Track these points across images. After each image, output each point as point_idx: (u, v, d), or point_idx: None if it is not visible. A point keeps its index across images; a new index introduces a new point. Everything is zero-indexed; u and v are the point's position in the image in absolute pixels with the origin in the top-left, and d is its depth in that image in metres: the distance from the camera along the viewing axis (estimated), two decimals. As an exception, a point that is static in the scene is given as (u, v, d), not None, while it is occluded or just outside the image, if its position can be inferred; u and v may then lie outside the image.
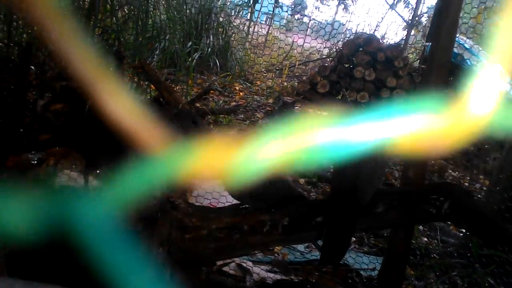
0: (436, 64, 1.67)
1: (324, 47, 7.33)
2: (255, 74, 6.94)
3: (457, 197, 1.48)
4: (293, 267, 2.86)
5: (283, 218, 1.55)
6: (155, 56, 5.00)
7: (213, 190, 2.54)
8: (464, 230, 3.58)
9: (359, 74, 5.36)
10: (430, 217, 1.49)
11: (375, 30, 8.51)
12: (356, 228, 1.49)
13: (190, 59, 5.20)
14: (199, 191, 2.65)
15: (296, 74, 7.33)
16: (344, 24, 9.91)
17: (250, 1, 7.43)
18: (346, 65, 5.51)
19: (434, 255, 3.35)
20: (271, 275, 2.66)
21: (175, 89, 4.17)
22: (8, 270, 1.09)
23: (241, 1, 7.38)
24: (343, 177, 1.46)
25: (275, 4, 8.29)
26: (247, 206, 1.62)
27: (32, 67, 2.86)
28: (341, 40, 7.14)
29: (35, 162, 2.50)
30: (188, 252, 1.51)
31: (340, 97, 5.57)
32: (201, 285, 1.61)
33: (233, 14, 7.10)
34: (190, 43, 5.55)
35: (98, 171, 2.12)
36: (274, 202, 1.58)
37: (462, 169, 5.49)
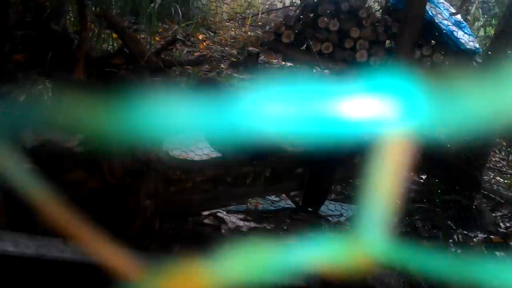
0: (410, 16, 1.71)
1: (288, -4, 7.25)
2: (217, 23, 6.81)
3: (428, 147, 1.57)
4: (265, 215, 2.96)
5: (265, 170, 1.61)
6: (116, 3, 4.82)
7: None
8: (424, 177, 3.78)
9: (323, 24, 5.37)
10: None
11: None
12: (335, 178, 1.57)
13: (151, 6, 5.03)
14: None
15: (259, 23, 7.24)
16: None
17: None
18: (311, 15, 5.49)
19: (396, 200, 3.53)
20: (245, 223, 2.75)
21: (138, 39, 4.06)
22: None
23: None
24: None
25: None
26: (229, 158, 1.66)
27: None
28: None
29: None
30: (174, 204, 1.55)
31: (304, 48, 5.59)
32: (185, 235, 1.66)
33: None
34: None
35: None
36: (255, 153, 1.63)
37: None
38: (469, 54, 6.09)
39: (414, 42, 1.65)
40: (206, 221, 2.45)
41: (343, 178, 1.66)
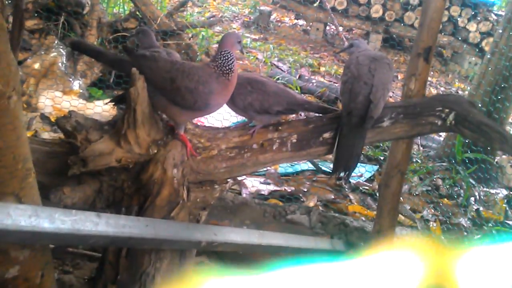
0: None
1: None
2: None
3: (462, 108, 1.52)
4: (285, 178, 2.96)
5: (291, 136, 1.57)
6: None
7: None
8: (444, 135, 3.73)
9: (337, -21, 5.22)
10: (435, 128, 1.54)
11: None
12: (365, 142, 1.53)
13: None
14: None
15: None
16: None
17: None
18: (324, -30, 5.32)
19: (417, 159, 3.51)
20: (266, 186, 2.76)
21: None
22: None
23: None
24: (357, 92, 1.47)
25: None
26: (253, 124, 1.63)
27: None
28: None
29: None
30: (201, 172, 1.53)
31: (317, 4, 5.44)
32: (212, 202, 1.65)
33: None
34: None
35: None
36: (279, 111, 1.58)
37: (438, 73, 5.58)
38: (487, 5, 5.89)
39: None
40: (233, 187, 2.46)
41: (374, 142, 1.61)
